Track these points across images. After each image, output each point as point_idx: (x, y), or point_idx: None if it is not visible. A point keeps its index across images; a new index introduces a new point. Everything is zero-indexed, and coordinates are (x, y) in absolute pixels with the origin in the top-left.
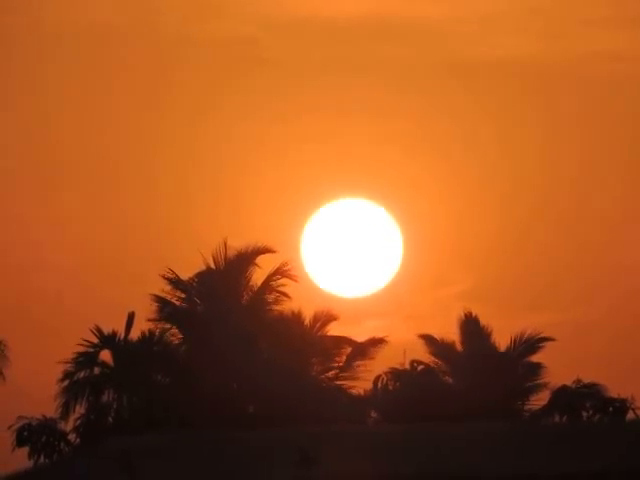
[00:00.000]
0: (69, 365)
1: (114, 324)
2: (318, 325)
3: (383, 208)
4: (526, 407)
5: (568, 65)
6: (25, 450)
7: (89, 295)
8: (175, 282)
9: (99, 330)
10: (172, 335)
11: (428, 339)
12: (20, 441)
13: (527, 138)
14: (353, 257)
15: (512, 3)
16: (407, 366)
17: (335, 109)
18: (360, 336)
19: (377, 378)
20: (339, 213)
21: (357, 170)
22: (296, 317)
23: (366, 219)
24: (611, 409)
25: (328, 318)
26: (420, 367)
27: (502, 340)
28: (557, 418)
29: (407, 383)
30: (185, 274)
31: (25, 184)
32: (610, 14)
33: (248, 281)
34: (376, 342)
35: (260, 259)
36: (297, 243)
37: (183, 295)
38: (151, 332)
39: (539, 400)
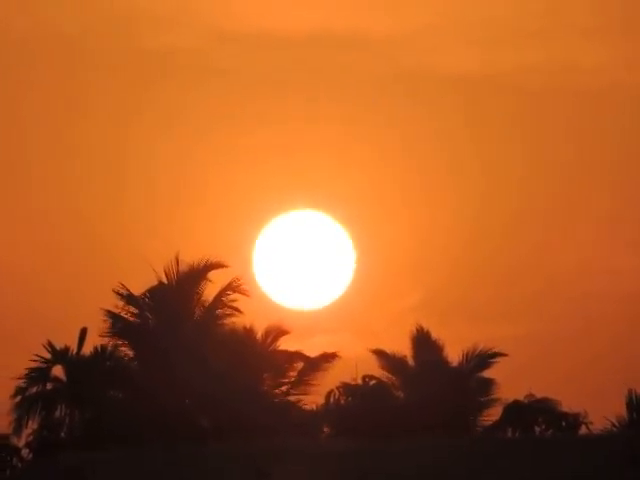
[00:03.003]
0: (21, 380)
1: (66, 339)
2: (270, 340)
3: (335, 220)
4: (478, 422)
5: (507, 77)
6: None
7: (41, 310)
8: (127, 297)
9: (51, 345)
10: (124, 350)
11: (380, 354)
12: None
13: (478, 150)
14: (305, 270)
15: (455, 16)
16: (359, 381)
17: (286, 121)
18: (312, 350)
19: (329, 393)
20: (291, 226)
21: (308, 182)
22: (248, 332)
23: (318, 231)
24: (564, 424)
25: (280, 332)
26: (372, 382)
27: (454, 354)
28: (509, 433)
29: (359, 398)
30: (137, 289)
31: None
32: (552, 25)
33: (200, 296)
34: (328, 357)
35: (212, 274)
36: (249, 256)
37: (135, 310)
38: (103, 347)
39: (491, 415)
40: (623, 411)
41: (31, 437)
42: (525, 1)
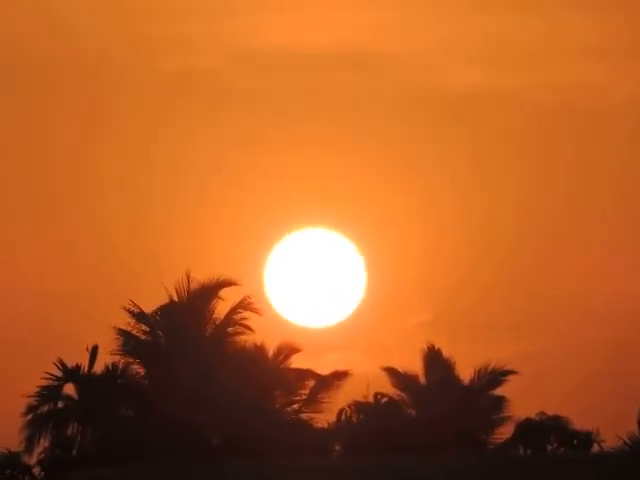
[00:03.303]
0: (33, 399)
1: (78, 358)
2: (281, 357)
3: (346, 238)
4: (490, 440)
5: (515, 95)
6: None
7: (52, 328)
8: (138, 315)
9: (63, 363)
10: (136, 368)
11: (391, 371)
12: None
13: (484, 168)
14: (316, 288)
15: (471, 34)
16: (371, 399)
17: (297, 140)
18: (323, 367)
19: (341, 411)
20: (302, 244)
21: (319, 200)
22: (259, 350)
23: (329, 249)
24: (576, 442)
25: (291, 350)
26: (384, 400)
27: (465, 371)
28: (521, 451)
29: (371, 416)
30: (148, 307)
31: None
32: (556, 44)
33: (211, 314)
34: (340, 375)
35: (223, 292)
36: (260, 274)
37: (146, 328)
38: (115, 365)
39: (503, 433)
40: (635, 429)
41: (43, 455)
42: (529, 20)
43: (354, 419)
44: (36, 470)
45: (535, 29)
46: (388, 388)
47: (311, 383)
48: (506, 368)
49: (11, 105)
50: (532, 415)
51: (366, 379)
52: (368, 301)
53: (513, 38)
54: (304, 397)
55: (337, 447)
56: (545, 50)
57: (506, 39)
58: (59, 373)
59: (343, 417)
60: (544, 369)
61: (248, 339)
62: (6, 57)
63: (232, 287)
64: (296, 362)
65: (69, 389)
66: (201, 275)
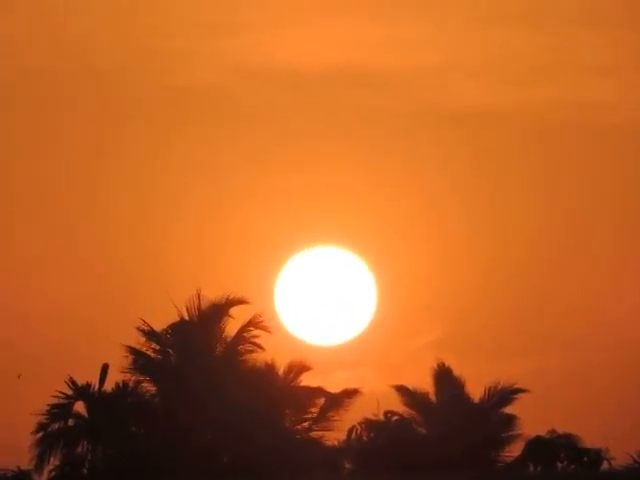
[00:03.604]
0: (43, 416)
1: (88, 376)
2: (292, 375)
3: (357, 256)
4: (500, 458)
5: (531, 110)
6: None
7: (63, 346)
8: (149, 334)
9: (73, 382)
10: (146, 386)
11: (402, 390)
12: None
13: (493, 186)
14: (326, 306)
15: (476, 51)
16: (381, 416)
17: (304, 156)
18: (334, 385)
19: (351, 429)
20: (312, 262)
21: (330, 218)
22: (269, 368)
23: (340, 267)
24: (586, 459)
25: (302, 368)
26: (394, 418)
27: (476, 390)
28: (531, 469)
29: (381, 433)
30: (159, 325)
31: None
32: (562, 62)
33: (222, 332)
34: (350, 393)
35: (234, 310)
36: (270, 292)
37: (157, 347)
38: (125, 384)
39: (513, 451)
40: None
41: (53, 473)
42: (535, 37)
43: (364, 437)
44: None
45: (541, 45)
46: (398, 406)
47: (321, 401)
48: (516, 386)
49: (20, 116)
50: (542, 433)
51: (376, 397)
52: (378, 319)
53: (519, 54)
54: (314, 415)
55: (347, 465)
56: (551, 67)
57: (511, 55)
58: (70, 391)
59: (353, 435)
60: (554, 386)
61: (258, 357)
62: (16, 70)
63: (242, 305)
64: (306, 380)
65: (79, 407)
66: (211, 292)
